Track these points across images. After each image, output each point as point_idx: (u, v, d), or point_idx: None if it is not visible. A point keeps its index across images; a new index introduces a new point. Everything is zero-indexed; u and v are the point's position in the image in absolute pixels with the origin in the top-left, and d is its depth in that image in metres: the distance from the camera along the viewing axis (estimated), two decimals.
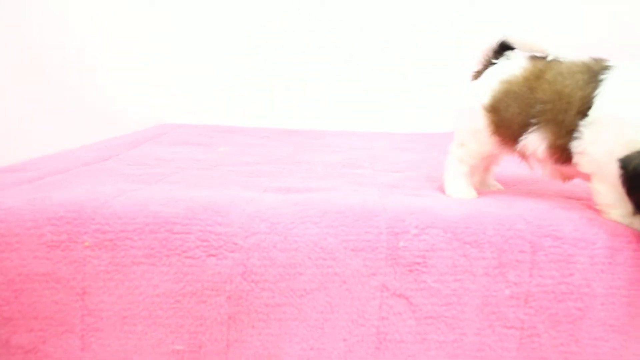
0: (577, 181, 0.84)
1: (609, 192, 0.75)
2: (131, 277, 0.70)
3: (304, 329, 0.70)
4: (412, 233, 0.70)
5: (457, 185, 0.86)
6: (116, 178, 0.89)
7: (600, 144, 0.72)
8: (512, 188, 0.95)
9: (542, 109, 0.77)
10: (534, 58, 0.83)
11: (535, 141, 0.78)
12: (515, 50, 0.86)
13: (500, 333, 0.71)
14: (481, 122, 0.83)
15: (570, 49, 0.80)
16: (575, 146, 0.75)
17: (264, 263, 0.69)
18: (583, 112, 0.74)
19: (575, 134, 0.74)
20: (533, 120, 0.78)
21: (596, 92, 0.73)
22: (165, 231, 0.70)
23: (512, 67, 0.83)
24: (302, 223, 0.71)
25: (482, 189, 0.90)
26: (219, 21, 1.86)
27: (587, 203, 0.81)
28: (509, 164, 0.93)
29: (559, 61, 0.81)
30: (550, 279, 0.71)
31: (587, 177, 0.78)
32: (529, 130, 0.79)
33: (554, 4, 1.81)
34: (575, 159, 0.76)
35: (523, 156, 0.84)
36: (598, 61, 0.78)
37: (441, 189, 0.88)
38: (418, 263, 0.70)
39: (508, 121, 0.81)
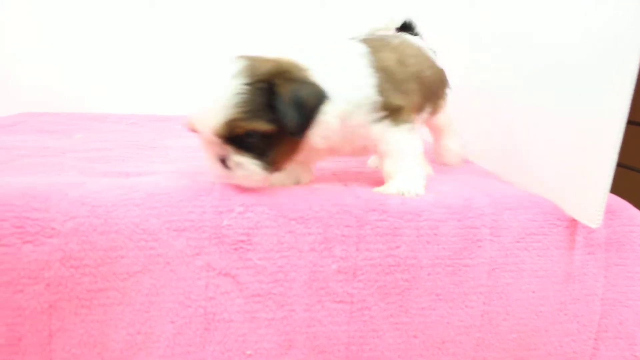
0: None
1: None
2: None
3: (130, 314, 0.69)
4: (237, 211, 0.70)
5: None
6: None
7: None
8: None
9: None
10: None
11: None
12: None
13: (329, 308, 0.72)
14: None
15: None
16: None
17: (84, 247, 0.67)
18: None
19: None
20: None
21: None
22: None
23: None
24: (123, 205, 0.69)
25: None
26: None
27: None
28: None
29: None
30: (377, 252, 0.72)
31: None
32: None
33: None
34: None
35: None
36: None
37: None
38: (242, 241, 0.69)
39: None
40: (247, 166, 0.70)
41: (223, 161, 0.71)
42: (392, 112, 0.78)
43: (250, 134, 0.69)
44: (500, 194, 0.79)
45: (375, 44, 0.84)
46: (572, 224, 0.77)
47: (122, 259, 0.68)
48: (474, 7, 1.85)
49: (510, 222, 0.76)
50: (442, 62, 1.01)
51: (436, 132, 1.05)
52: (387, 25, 1.03)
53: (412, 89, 0.84)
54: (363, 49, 0.80)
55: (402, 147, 0.79)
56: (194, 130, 0.72)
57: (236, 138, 0.69)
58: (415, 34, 1.04)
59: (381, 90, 0.77)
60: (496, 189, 0.82)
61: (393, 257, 0.72)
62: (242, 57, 0.71)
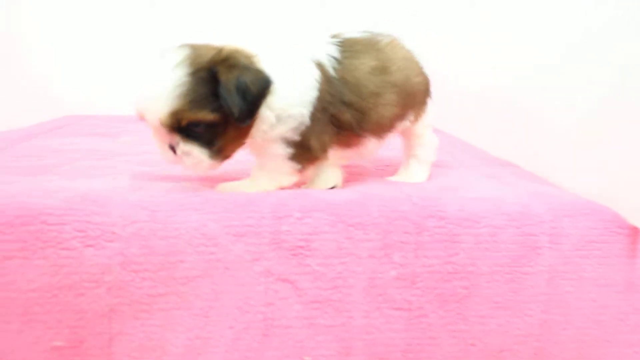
0: None
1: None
2: (4, 273, 0.66)
3: (189, 318, 0.69)
4: (295, 217, 0.69)
5: None
6: None
7: None
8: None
9: None
10: None
11: None
12: None
13: (387, 315, 0.71)
14: None
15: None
16: None
17: (144, 252, 0.67)
18: None
19: None
20: None
21: None
22: (40, 223, 0.67)
23: None
24: (183, 210, 0.69)
25: None
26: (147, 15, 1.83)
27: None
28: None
29: None
30: (436, 259, 0.71)
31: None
32: None
33: None
34: None
35: None
36: None
37: None
38: (301, 247, 0.69)
39: None
40: (195, 154, 0.71)
41: (173, 148, 0.72)
42: (300, 147, 0.75)
43: (195, 123, 0.69)
44: (557, 201, 0.78)
45: (356, 47, 0.80)
46: (634, 232, 0.75)
47: (181, 264, 0.68)
48: (474, 7, 1.84)
49: (569, 230, 0.74)
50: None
51: (411, 139, 0.92)
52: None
53: (382, 102, 0.80)
54: (330, 52, 0.77)
55: (273, 173, 0.78)
56: (143, 119, 0.72)
57: (182, 128, 0.70)
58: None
59: (313, 116, 0.74)
60: (552, 195, 0.81)
61: (452, 265, 0.71)
62: (184, 45, 0.71)
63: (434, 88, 0.91)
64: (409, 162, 0.91)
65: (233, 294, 0.69)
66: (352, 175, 0.88)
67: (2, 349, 0.67)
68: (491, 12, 1.84)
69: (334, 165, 0.82)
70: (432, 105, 0.91)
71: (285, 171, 0.77)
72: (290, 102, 0.73)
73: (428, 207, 0.73)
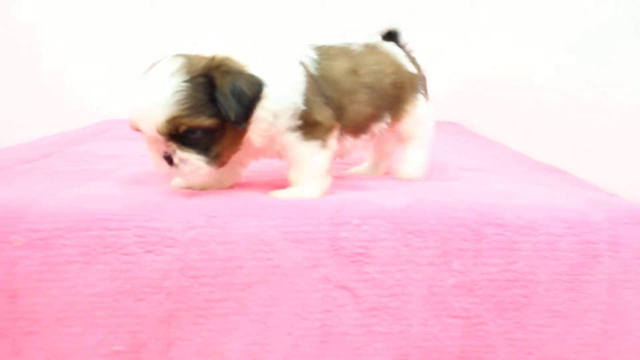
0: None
1: None
2: (65, 277, 0.67)
3: (246, 324, 0.69)
4: (354, 223, 0.69)
5: None
6: (54, 176, 0.86)
7: None
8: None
9: None
10: None
11: None
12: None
13: (445, 323, 0.70)
14: None
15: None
16: None
17: (203, 257, 0.68)
18: None
19: None
20: None
21: None
22: (100, 228, 0.68)
23: None
24: (241, 216, 0.69)
25: None
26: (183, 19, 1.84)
27: None
28: None
29: None
30: (494, 267, 0.70)
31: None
32: None
33: None
34: None
35: None
36: None
37: None
38: (360, 254, 0.69)
39: None
40: (192, 162, 0.71)
41: (167, 159, 0.72)
42: (308, 125, 0.77)
43: (192, 130, 0.70)
44: (615, 208, 0.76)
45: (331, 52, 0.84)
46: None
47: (240, 270, 0.68)
48: (474, 7, 1.83)
49: (628, 238, 0.73)
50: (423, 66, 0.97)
51: (400, 140, 0.94)
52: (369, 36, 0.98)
53: (357, 100, 0.83)
54: (309, 55, 0.80)
55: (306, 161, 0.78)
56: (137, 130, 0.73)
57: (179, 135, 0.70)
58: (398, 42, 0.97)
59: (307, 101, 0.76)
60: (609, 202, 0.79)
61: (511, 272, 0.71)
62: (178, 55, 0.73)
63: (434, 88, 0.93)
64: (406, 153, 0.95)
65: (291, 301, 0.69)
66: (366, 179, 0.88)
67: (63, 353, 0.68)
68: (491, 12, 1.84)
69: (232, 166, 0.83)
70: (427, 104, 0.94)
71: (312, 153, 0.77)
72: (283, 97, 0.75)
73: (485, 214, 0.72)
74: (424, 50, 0.98)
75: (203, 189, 0.80)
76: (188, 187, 0.80)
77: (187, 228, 0.68)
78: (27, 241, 0.67)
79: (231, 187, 0.83)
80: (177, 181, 0.81)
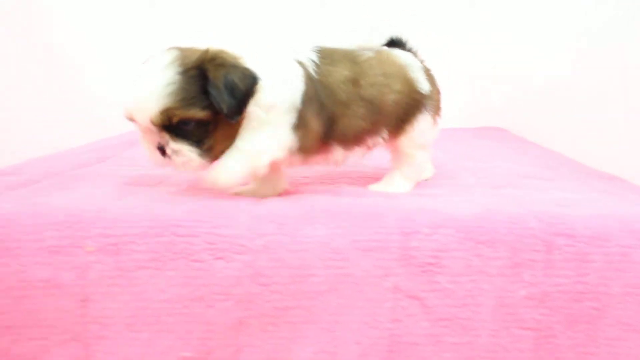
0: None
1: None
2: (136, 283, 0.68)
3: (315, 332, 0.68)
4: (424, 233, 0.68)
5: None
6: (115, 180, 0.87)
7: None
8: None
9: None
10: None
11: None
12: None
13: (515, 334, 0.69)
14: None
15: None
16: None
17: (273, 265, 0.67)
18: None
19: None
20: None
21: None
22: (171, 234, 0.68)
23: None
24: (310, 224, 0.69)
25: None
26: (216, 22, 1.85)
27: None
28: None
29: None
30: (565, 279, 0.69)
31: None
32: None
33: None
34: None
35: None
36: None
37: None
38: (431, 264, 0.68)
39: None
40: (185, 153, 0.72)
41: (161, 149, 0.72)
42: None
43: (185, 121, 0.70)
44: None
45: (334, 56, 0.81)
46: None
47: (310, 278, 0.68)
48: (474, 7, 1.81)
49: None
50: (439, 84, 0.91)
51: (394, 154, 0.90)
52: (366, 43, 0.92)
53: (351, 113, 0.79)
54: (309, 56, 0.78)
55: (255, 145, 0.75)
56: (132, 120, 0.73)
57: (173, 126, 0.71)
58: (408, 50, 0.93)
59: (303, 102, 0.75)
60: None
61: (582, 284, 0.69)
62: (172, 48, 0.73)
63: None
64: (393, 173, 0.89)
65: (360, 309, 0.68)
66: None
67: (132, 358, 0.68)
68: (491, 12, 1.83)
69: (280, 171, 0.83)
70: (430, 126, 0.87)
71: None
72: (278, 94, 0.74)
73: (555, 224, 0.71)
74: (424, 50, 0.96)
75: (254, 195, 0.80)
76: (237, 193, 0.80)
77: (257, 235, 0.68)
78: (99, 246, 0.67)
79: (286, 192, 0.83)
80: (235, 190, 0.80)
